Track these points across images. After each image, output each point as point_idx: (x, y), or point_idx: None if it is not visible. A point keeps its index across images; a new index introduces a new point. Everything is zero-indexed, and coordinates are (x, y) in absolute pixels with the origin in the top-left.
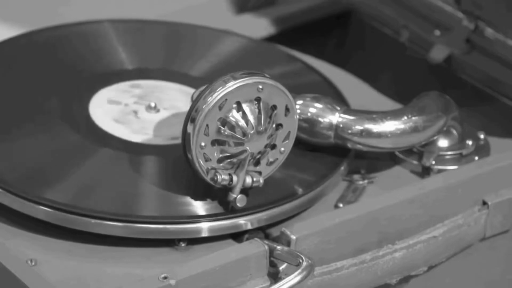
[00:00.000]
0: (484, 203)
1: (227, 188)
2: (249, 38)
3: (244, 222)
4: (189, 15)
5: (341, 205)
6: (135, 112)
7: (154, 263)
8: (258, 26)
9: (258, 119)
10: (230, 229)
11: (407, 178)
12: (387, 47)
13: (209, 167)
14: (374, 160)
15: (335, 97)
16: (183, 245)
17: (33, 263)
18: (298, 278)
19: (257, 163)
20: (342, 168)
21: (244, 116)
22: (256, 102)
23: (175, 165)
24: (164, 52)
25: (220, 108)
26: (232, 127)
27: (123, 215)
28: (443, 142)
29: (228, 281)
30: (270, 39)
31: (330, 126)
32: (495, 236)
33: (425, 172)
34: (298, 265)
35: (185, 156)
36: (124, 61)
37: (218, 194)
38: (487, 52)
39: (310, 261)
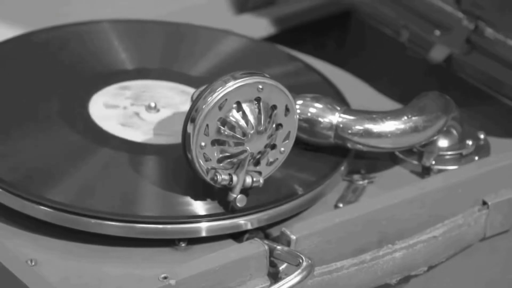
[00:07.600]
0: (484, 203)
1: (227, 188)
2: (249, 38)
3: (244, 222)
4: (189, 15)
5: (341, 205)
6: (137, 114)
7: (154, 263)
8: (258, 26)
9: (258, 119)
10: (230, 229)
11: (407, 178)
12: (387, 47)
13: (209, 167)
14: (374, 160)
15: (335, 97)
16: (183, 245)
17: (33, 263)
18: (298, 278)
19: (257, 163)
20: (342, 168)
21: (244, 116)
22: (256, 102)
23: (175, 165)
24: (164, 52)
25: (220, 108)
26: (232, 127)
27: (123, 215)
28: (443, 142)
29: (228, 281)
30: (270, 39)
31: (330, 126)
32: (495, 236)
33: (425, 172)
34: (298, 265)
35: (185, 156)
36: (124, 61)
37: (218, 194)
38: (487, 52)
39: (310, 261)
